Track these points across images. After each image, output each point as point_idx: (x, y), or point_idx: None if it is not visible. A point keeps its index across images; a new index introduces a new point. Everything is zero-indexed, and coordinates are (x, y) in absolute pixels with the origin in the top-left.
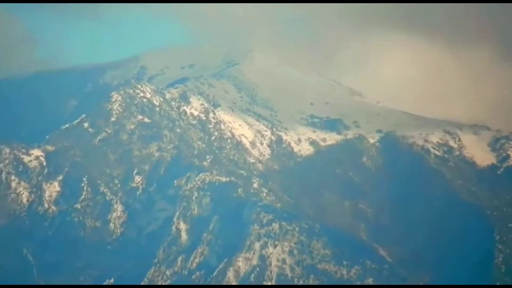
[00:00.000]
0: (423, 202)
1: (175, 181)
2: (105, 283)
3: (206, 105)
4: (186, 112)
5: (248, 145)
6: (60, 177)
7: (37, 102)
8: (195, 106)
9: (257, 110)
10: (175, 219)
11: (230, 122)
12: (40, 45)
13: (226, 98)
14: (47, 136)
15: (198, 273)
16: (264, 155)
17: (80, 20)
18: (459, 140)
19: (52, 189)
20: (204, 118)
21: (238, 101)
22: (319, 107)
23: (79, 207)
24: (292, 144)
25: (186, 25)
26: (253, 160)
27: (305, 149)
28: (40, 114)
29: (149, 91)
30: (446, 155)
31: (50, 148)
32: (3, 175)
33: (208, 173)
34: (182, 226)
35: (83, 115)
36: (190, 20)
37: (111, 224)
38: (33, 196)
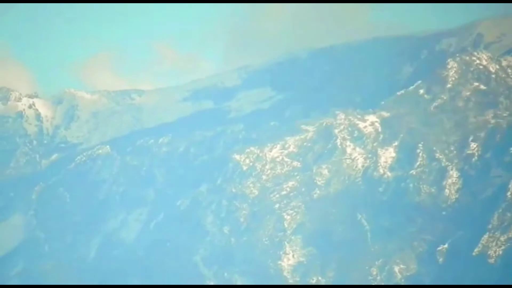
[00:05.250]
0: None
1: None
2: (438, 249)
3: None
4: None
5: None
6: (396, 143)
7: (373, 68)
8: None
9: None
10: (510, 186)
11: None
12: (381, 9)
13: None
14: (382, 102)
15: None
16: None
17: None
18: None
19: (388, 155)
20: None
21: None
22: None
23: (414, 173)
24: None
25: None
26: None
27: None
28: (375, 79)
29: (485, 58)
30: None
31: (385, 114)
32: (339, 140)
33: None
34: None
35: (419, 82)
36: None
37: (446, 190)
38: (368, 161)
